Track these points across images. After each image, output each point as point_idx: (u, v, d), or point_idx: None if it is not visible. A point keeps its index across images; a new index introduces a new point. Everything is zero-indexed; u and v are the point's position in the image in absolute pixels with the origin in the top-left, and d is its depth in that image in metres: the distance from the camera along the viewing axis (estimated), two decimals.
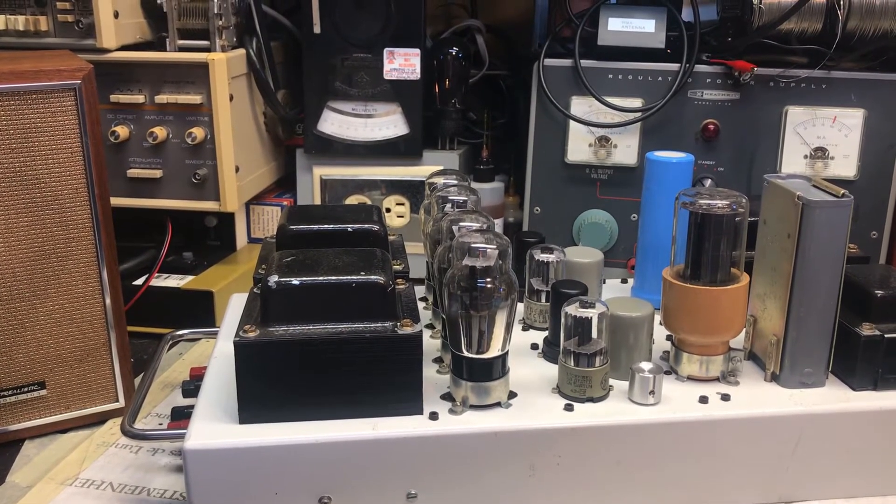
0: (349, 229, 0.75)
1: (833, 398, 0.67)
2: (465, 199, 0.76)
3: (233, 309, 0.83)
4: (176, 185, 0.99)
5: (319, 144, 1.08)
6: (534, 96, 1.05)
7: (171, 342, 0.83)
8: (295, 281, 0.62)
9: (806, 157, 1.00)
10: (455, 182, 0.81)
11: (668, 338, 0.74)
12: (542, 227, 1.07)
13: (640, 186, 1.03)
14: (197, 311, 0.95)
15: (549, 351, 0.73)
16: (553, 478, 0.64)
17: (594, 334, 0.66)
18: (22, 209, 0.71)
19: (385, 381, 0.63)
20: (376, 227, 0.76)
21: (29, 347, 0.74)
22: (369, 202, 1.09)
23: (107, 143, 0.97)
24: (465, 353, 0.64)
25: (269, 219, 1.12)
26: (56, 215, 0.73)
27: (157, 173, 0.99)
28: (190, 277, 1.00)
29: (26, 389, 0.75)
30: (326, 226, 0.75)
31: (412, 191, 1.09)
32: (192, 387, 0.76)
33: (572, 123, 1.03)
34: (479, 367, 0.64)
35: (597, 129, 1.03)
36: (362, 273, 0.63)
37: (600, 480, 0.64)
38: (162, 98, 0.96)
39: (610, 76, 1.02)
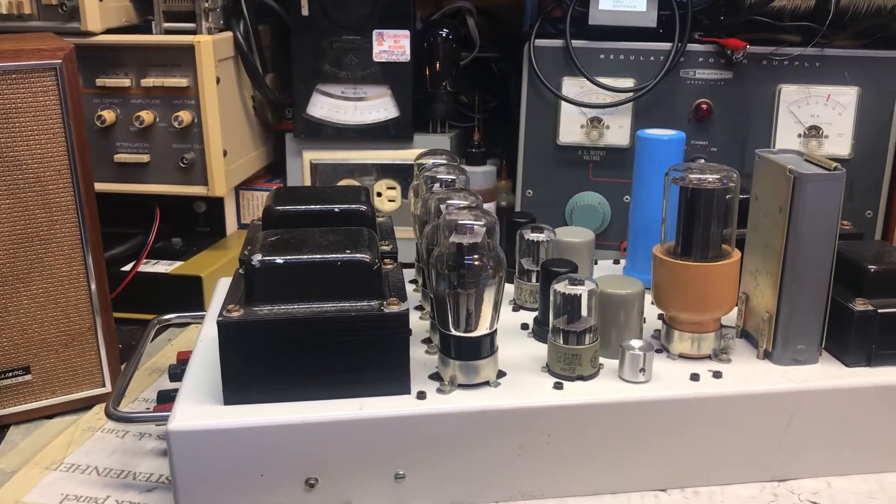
0: (336, 210, 0.74)
1: (826, 375, 0.66)
2: (454, 177, 0.75)
3: (220, 293, 0.82)
4: (163, 169, 0.98)
5: (309, 128, 1.07)
6: (525, 77, 1.04)
7: (157, 327, 0.82)
8: (279, 260, 0.61)
9: (800, 135, 0.99)
10: (444, 161, 0.80)
11: (660, 316, 0.73)
12: (534, 211, 1.05)
13: (632, 167, 1.02)
14: (185, 297, 0.95)
15: (539, 331, 0.72)
16: (542, 456, 0.63)
17: (584, 312, 0.65)
18: (3, 192, 0.70)
19: (372, 360, 0.62)
20: (364, 208, 0.75)
21: (13, 332, 0.73)
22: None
23: (93, 127, 0.96)
24: (453, 332, 0.63)
25: (259, 204, 1.11)
26: (39, 198, 0.72)
27: (145, 158, 0.98)
28: (178, 263, 0.99)
29: (11, 374, 0.74)
30: (313, 206, 0.74)
31: (403, 174, 1.08)
32: (178, 371, 0.75)
33: (564, 105, 1.02)
34: (468, 346, 0.63)
35: (589, 110, 1.02)
36: (347, 251, 0.62)
37: (590, 459, 0.64)
38: (148, 82, 0.95)
39: (601, 56, 1.01)
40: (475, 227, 0.62)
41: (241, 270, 0.69)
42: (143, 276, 0.96)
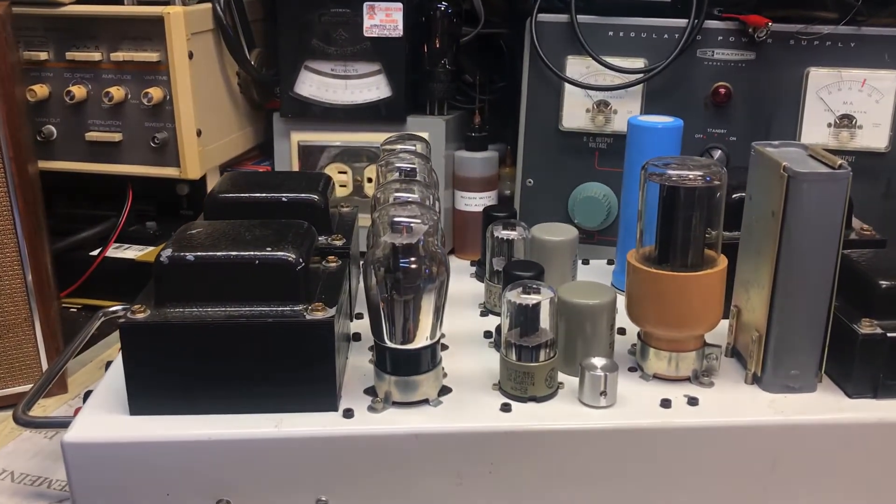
0: (283, 199, 0.67)
1: (822, 406, 0.57)
2: (413, 166, 0.67)
3: None
4: (136, 149, 0.93)
5: (296, 107, 1.00)
6: (526, 56, 0.95)
7: (102, 318, 0.76)
8: (189, 256, 0.55)
9: (830, 125, 0.88)
10: (411, 148, 0.72)
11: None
12: (535, 201, 0.98)
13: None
14: None
15: (501, 340, 0.64)
16: (484, 488, 0.56)
17: (540, 324, 0.57)
18: None
19: (292, 372, 0.55)
20: (315, 198, 0.68)
21: None
22: (349, 171, 1.01)
23: (64, 103, 0.91)
24: (388, 344, 0.56)
25: None
26: None
27: (117, 136, 0.92)
28: (150, 248, 0.93)
29: None
30: (259, 195, 0.68)
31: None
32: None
33: (568, 87, 0.93)
34: (404, 359, 0.56)
35: (595, 93, 0.93)
36: (268, 249, 0.56)
37: (538, 493, 0.56)
38: (119, 56, 0.90)
39: (610, 33, 0.92)
40: (412, 225, 0.55)
41: None
42: (111, 262, 0.91)
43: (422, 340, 0.56)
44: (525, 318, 0.57)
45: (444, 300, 0.56)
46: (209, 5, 0.94)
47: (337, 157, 1.02)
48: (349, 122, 1.00)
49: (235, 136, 1.02)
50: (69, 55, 0.91)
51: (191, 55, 0.89)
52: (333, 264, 0.63)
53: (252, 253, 0.55)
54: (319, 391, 0.56)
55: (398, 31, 0.97)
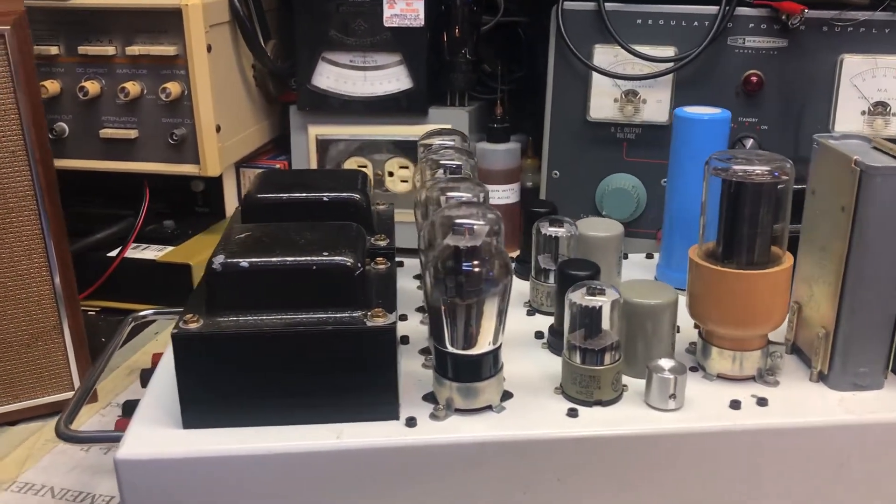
0: (325, 199, 0.65)
1: (893, 404, 0.56)
2: (460, 164, 0.65)
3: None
4: (152, 146, 0.90)
5: (314, 100, 0.98)
6: (552, 45, 0.93)
7: (132, 323, 0.74)
8: (244, 263, 0.53)
9: (864, 112, 0.87)
10: (451, 143, 0.70)
11: (697, 326, 0.63)
12: (561, 193, 0.96)
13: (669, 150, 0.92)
14: (174, 287, 0.87)
15: (555, 341, 0.62)
16: (550, 496, 0.54)
17: (604, 326, 0.55)
18: None
19: (352, 381, 0.53)
20: (357, 197, 0.66)
21: None
22: (370, 165, 0.99)
23: (77, 100, 0.88)
24: (450, 349, 0.54)
25: None
26: None
27: (133, 133, 0.89)
28: (169, 248, 0.91)
29: None
30: (299, 194, 0.65)
31: (417, 152, 0.98)
32: (151, 376, 0.68)
33: (595, 76, 0.91)
34: (466, 365, 0.54)
35: (623, 83, 0.91)
36: (325, 253, 0.53)
37: (606, 500, 0.54)
38: (134, 50, 0.87)
39: (638, 21, 0.90)
40: (475, 227, 0.53)
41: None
42: (129, 263, 0.88)
43: (484, 346, 0.54)
44: (590, 320, 0.55)
45: (507, 304, 0.54)
46: None
47: (356, 151, 1.00)
48: (368, 115, 0.98)
49: (252, 131, 1.00)
50: (81, 49, 0.88)
51: (209, 48, 0.86)
52: (383, 266, 0.61)
53: (309, 258, 0.53)
54: (380, 400, 0.54)
55: (419, 21, 0.94)
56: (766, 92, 0.89)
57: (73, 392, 0.71)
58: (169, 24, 0.85)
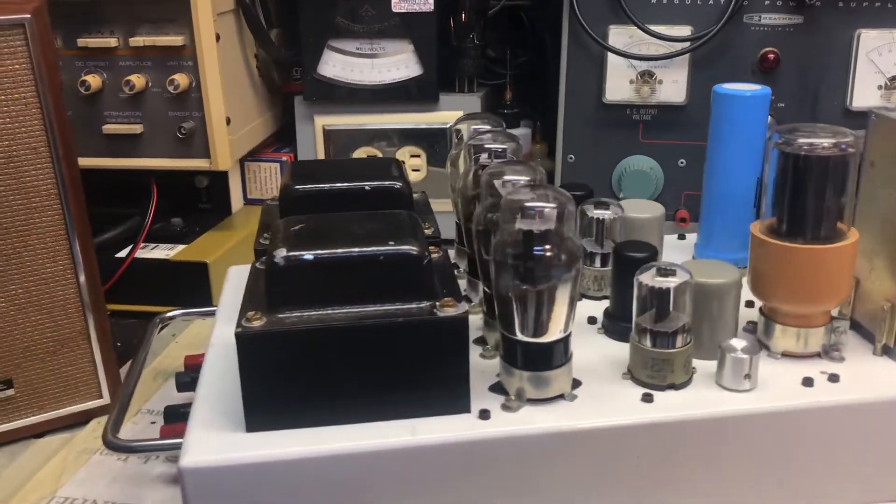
0: (366, 188, 0.63)
1: None
2: (504, 147, 0.63)
3: (231, 284, 0.71)
4: (159, 141, 0.86)
5: (320, 90, 0.95)
6: (565, 26, 0.92)
7: (160, 325, 0.71)
8: (307, 255, 0.50)
9: (881, 87, 0.87)
10: (489, 127, 0.68)
11: (749, 304, 0.62)
12: (577, 178, 0.94)
13: (688, 127, 0.92)
14: (189, 286, 0.83)
15: (612, 326, 0.61)
16: (629, 482, 0.53)
17: (675, 308, 0.54)
18: None
19: (423, 374, 0.51)
20: (398, 185, 0.64)
21: None
22: (380, 155, 0.96)
23: (77, 94, 0.84)
24: (520, 337, 0.52)
25: (267, 177, 0.99)
26: (12, 181, 0.60)
27: (137, 128, 0.86)
28: (180, 247, 0.87)
29: None
30: (339, 184, 0.63)
31: (429, 140, 0.96)
32: (187, 379, 0.65)
33: (611, 58, 0.90)
34: (538, 353, 0.52)
35: (639, 63, 0.90)
36: (391, 243, 0.51)
37: (686, 483, 0.53)
38: (138, 41, 0.83)
39: (653, 1, 0.89)
40: (545, 210, 0.51)
41: (259, 265, 0.58)
42: (140, 263, 0.85)
43: (556, 333, 0.52)
44: (660, 302, 0.54)
45: (578, 290, 0.52)
46: None
47: (365, 141, 0.97)
48: (377, 104, 0.96)
49: (257, 123, 0.97)
50: (81, 42, 0.84)
51: (217, 37, 0.83)
52: (436, 255, 0.59)
53: (375, 248, 0.50)
54: (452, 393, 0.52)
55: (429, 6, 0.92)
56: (782, 69, 0.89)
57: (100, 399, 0.68)
58: (175, 12, 0.82)
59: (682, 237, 0.79)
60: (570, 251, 0.50)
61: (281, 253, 0.50)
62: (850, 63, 0.87)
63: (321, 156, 0.97)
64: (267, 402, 0.50)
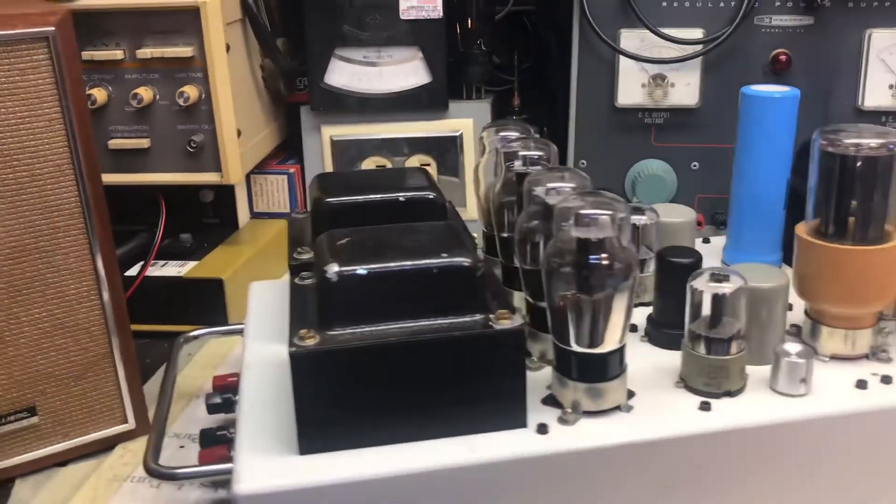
0: (401, 199, 0.61)
1: None
2: (540, 153, 0.62)
3: (256, 301, 0.69)
4: (167, 155, 0.84)
5: (327, 100, 0.94)
6: (575, 31, 0.91)
7: (185, 345, 0.68)
8: (361, 270, 0.48)
9: (891, 86, 0.88)
10: (519, 134, 0.67)
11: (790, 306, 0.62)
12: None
13: (700, 130, 0.91)
14: (204, 304, 0.81)
15: (656, 333, 0.60)
16: (690, 494, 0.52)
17: (730, 314, 0.53)
18: None
19: (480, 389, 0.49)
20: (432, 195, 0.62)
21: (13, 367, 0.60)
22: (389, 164, 0.95)
23: None
24: (575, 348, 0.51)
25: (274, 190, 0.97)
26: (35, 200, 0.58)
27: (145, 143, 0.83)
28: (191, 263, 0.85)
29: (13, 418, 0.61)
30: (373, 196, 0.61)
31: (439, 149, 0.95)
32: (218, 401, 0.63)
33: (623, 62, 0.90)
34: (593, 364, 0.51)
35: (651, 67, 0.89)
36: (443, 255, 0.50)
37: (744, 490, 0.52)
38: (145, 52, 0.81)
39: (664, 4, 0.89)
40: (600, 217, 0.50)
41: (298, 280, 0.56)
42: (151, 281, 0.82)
43: (612, 344, 0.51)
44: (716, 308, 0.53)
45: (634, 300, 0.51)
46: None
47: (374, 151, 0.95)
48: (385, 112, 0.94)
49: (264, 135, 0.95)
50: (86, 55, 0.81)
51: (227, 48, 0.81)
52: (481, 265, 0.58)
53: (428, 261, 0.49)
54: (509, 407, 0.50)
55: (438, 13, 0.91)
56: (793, 70, 0.89)
57: (126, 424, 0.65)
58: (184, 23, 0.80)
59: (706, 241, 0.79)
60: (627, 259, 0.49)
61: (333, 268, 0.48)
62: (861, 63, 0.88)
63: (328, 166, 0.96)
64: (321, 424, 0.48)
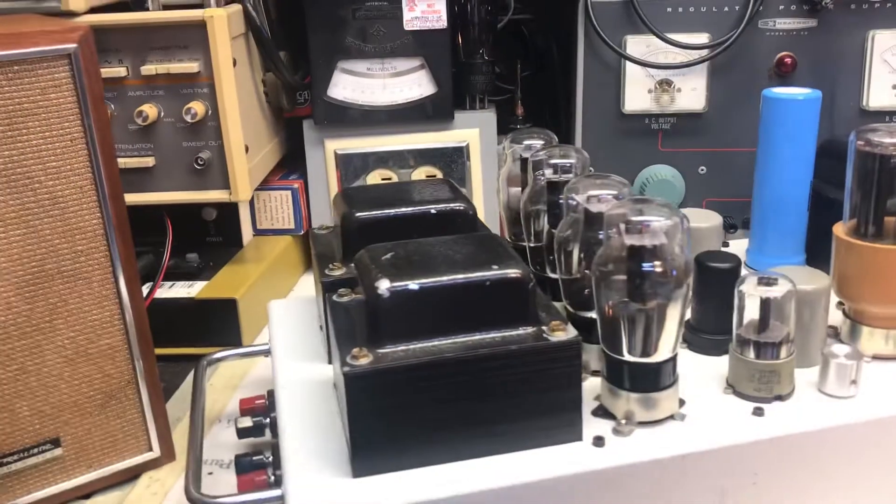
0: (432, 211, 0.60)
1: None
2: (572, 161, 0.62)
3: (278, 321, 0.67)
4: (173, 173, 0.82)
5: (331, 113, 0.92)
6: (580, 38, 0.91)
7: (208, 367, 0.66)
8: (413, 285, 0.47)
9: (895, 87, 0.88)
10: (544, 142, 0.67)
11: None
12: None
13: (707, 134, 0.91)
14: (217, 324, 0.79)
15: (696, 339, 0.59)
16: (745, 501, 0.51)
17: (779, 318, 0.53)
18: (12, 219, 0.54)
19: (536, 403, 0.48)
20: (462, 206, 0.61)
21: (35, 397, 0.57)
22: (395, 177, 0.94)
23: None
24: (627, 357, 0.50)
25: (278, 206, 0.96)
26: (57, 223, 0.56)
27: (149, 161, 0.81)
28: (199, 283, 0.83)
29: (36, 451, 0.58)
30: (403, 209, 0.60)
31: (445, 159, 0.94)
32: (248, 424, 0.61)
33: (629, 68, 0.90)
34: (647, 374, 0.50)
35: (657, 72, 0.89)
36: (494, 266, 0.49)
37: (796, 495, 0.52)
38: (150, 69, 0.79)
39: (668, 9, 0.89)
40: (653, 224, 0.49)
41: (337, 297, 0.55)
42: (160, 303, 0.80)
43: (665, 353, 0.50)
44: (764, 312, 0.53)
45: (687, 308, 0.50)
46: (238, 6, 0.84)
47: (379, 163, 0.94)
48: (390, 125, 0.93)
49: (268, 150, 0.93)
50: None
51: (234, 62, 0.79)
52: None
53: (480, 273, 0.48)
54: (565, 420, 0.49)
55: (442, 22, 0.90)
56: (798, 73, 0.89)
57: (150, 453, 0.63)
58: (189, 38, 0.78)
59: (725, 244, 0.79)
60: (682, 266, 0.49)
61: (384, 284, 0.47)
62: (865, 64, 0.88)
63: (332, 181, 0.94)
64: (374, 445, 0.47)
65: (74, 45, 0.54)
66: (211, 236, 0.94)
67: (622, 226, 0.49)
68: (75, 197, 0.56)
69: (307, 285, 0.96)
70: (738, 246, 0.76)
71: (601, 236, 0.53)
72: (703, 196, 0.94)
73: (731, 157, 0.92)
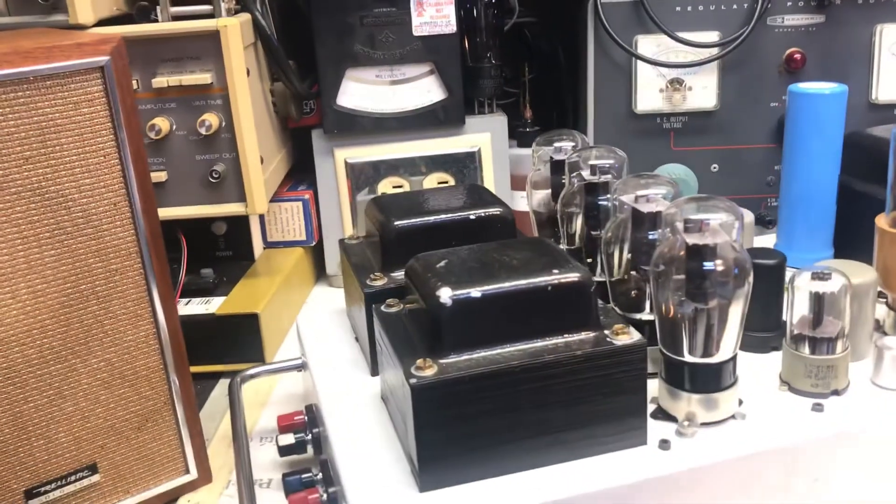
0: (471, 217, 0.59)
1: None
2: (611, 162, 0.61)
3: (309, 335, 0.66)
4: (186, 187, 0.80)
5: (341, 122, 0.91)
6: (590, 40, 0.90)
7: (242, 384, 0.65)
8: (475, 293, 0.46)
9: None
10: (574, 144, 0.66)
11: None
12: None
13: (719, 132, 0.91)
14: (239, 340, 0.77)
15: (742, 336, 0.59)
16: (806, 499, 0.51)
17: (833, 313, 0.52)
18: (46, 239, 0.52)
19: (601, 408, 0.48)
20: (499, 210, 0.60)
21: (71, 422, 0.55)
22: (407, 184, 0.93)
23: None
24: (688, 358, 0.50)
25: (289, 217, 0.94)
26: (92, 242, 0.54)
27: (162, 176, 0.79)
28: (216, 299, 0.81)
29: (73, 478, 0.56)
30: (443, 216, 0.59)
31: (457, 165, 0.93)
32: (291, 441, 0.59)
33: (641, 68, 0.89)
34: (709, 375, 0.50)
35: (668, 71, 0.89)
36: (555, 271, 0.48)
37: (860, 491, 0.51)
38: (161, 81, 0.77)
39: (678, 8, 0.89)
40: (712, 222, 0.49)
41: (386, 308, 0.53)
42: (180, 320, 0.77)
43: (726, 353, 0.50)
44: (819, 307, 0.52)
45: (747, 308, 0.50)
46: (248, 15, 0.82)
47: (391, 171, 0.93)
48: (400, 132, 0.92)
49: (278, 161, 0.91)
50: None
51: (248, 72, 0.78)
52: None
53: (541, 279, 0.47)
54: (630, 425, 0.48)
55: (451, 27, 0.89)
56: (807, 68, 0.90)
57: (187, 475, 0.61)
58: (201, 49, 0.76)
59: None
60: (743, 264, 0.48)
61: (447, 293, 0.46)
62: (873, 58, 0.89)
63: (343, 190, 0.93)
64: (441, 457, 0.46)
65: (107, 58, 0.52)
66: (221, 250, 0.92)
67: (679, 224, 0.49)
68: (109, 214, 0.54)
69: (320, 297, 0.95)
70: (763, 242, 0.76)
71: (651, 236, 0.53)
72: (716, 193, 0.93)
73: (743, 155, 0.92)
